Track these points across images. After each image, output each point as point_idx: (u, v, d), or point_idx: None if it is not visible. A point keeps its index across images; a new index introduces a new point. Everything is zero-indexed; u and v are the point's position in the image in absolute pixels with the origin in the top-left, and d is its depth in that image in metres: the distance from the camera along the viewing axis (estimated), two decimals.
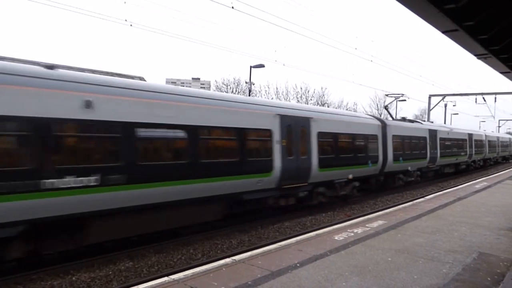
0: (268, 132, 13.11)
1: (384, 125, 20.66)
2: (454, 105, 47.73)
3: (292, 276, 6.81)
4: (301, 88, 55.90)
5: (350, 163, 17.23)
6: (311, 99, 54.58)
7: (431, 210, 13.52)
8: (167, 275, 7.07)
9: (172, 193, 10.04)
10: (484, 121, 68.44)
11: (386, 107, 34.96)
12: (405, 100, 45.61)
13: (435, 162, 27.03)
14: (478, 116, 59.41)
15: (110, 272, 8.66)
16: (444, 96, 41.72)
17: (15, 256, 7.97)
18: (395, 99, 29.79)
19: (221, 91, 48.90)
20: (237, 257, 7.94)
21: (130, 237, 10.11)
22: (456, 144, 31.94)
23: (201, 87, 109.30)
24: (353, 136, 17.66)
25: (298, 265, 7.39)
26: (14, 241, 7.73)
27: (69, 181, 7.99)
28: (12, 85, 7.45)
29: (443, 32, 6.02)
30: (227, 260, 7.78)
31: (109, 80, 9.43)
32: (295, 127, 14.19)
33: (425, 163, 25.53)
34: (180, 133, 10.50)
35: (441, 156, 27.80)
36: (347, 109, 53.91)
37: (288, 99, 52.71)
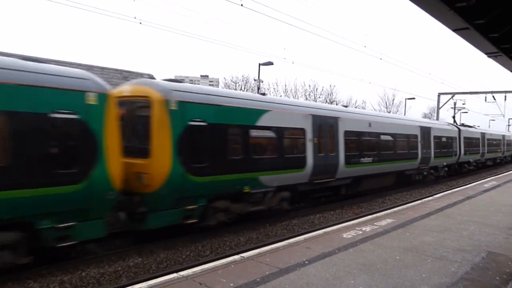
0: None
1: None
2: (463, 104, 47.29)
3: (300, 273, 6.84)
4: (309, 86, 55.77)
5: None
6: (319, 97, 54.46)
7: (440, 209, 13.46)
8: (176, 271, 7.12)
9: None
10: (493, 120, 67.81)
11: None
12: (414, 98, 45.37)
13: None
14: (487, 114, 58.87)
15: (119, 268, 8.74)
16: (454, 94, 41.35)
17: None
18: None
19: (229, 88, 48.97)
20: (245, 254, 7.99)
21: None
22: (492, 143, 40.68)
23: (209, 84, 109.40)
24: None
25: (306, 262, 7.42)
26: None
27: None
28: None
29: (454, 30, 6.01)
30: (236, 257, 7.83)
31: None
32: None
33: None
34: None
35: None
36: (355, 107, 53.73)
37: (296, 97, 52.61)
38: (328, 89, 56.39)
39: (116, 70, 11.37)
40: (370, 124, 18.31)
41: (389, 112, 58.57)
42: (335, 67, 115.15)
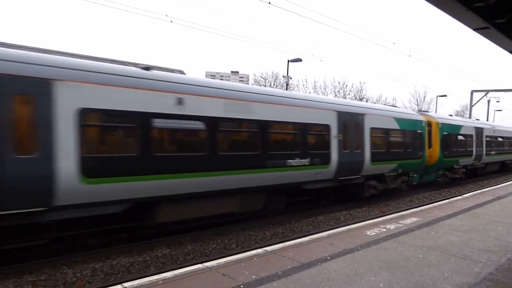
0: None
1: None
2: (497, 101, 45.89)
3: (322, 268, 6.98)
4: (339, 82, 55.36)
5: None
6: (349, 94, 53.95)
7: (468, 209, 13.27)
8: (201, 262, 7.39)
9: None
10: None
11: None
12: (445, 96, 44.37)
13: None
14: None
15: (148, 258, 9.10)
16: (487, 92, 40.25)
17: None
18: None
19: (259, 85, 49.17)
20: (268, 248, 8.18)
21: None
22: None
23: (239, 81, 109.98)
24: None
25: (328, 258, 7.55)
26: None
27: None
28: None
29: (475, 30, 6.00)
30: (259, 250, 8.04)
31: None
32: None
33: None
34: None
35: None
36: (385, 104, 53.00)
37: (326, 94, 52.33)
38: (358, 86, 55.83)
39: (147, 66, 11.73)
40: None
41: (421, 110, 57.45)
42: (364, 64, 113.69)
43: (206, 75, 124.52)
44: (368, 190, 16.80)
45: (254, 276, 6.50)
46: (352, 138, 15.28)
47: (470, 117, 39.45)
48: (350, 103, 17.34)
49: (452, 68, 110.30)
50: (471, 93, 40.83)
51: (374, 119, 16.59)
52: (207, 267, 6.96)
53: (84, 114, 8.17)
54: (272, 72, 56.25)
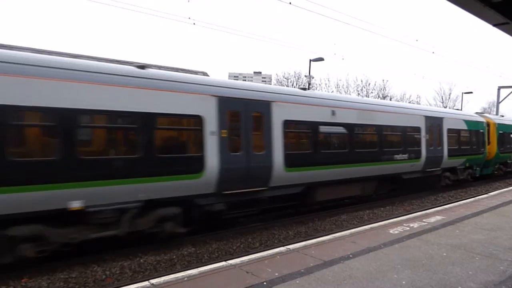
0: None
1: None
2: None
3: (344, 266, 7.05)
4: (361, 81, 54.90)
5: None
6: (371, 92, 53.49)
7: (494, 207, 13.07)
8: (225, 260, 7.56)
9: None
10: None
11: None
12: (471, 93, 43.56)
13: None
14: None
15: (174, 256, 9.33)
16: None
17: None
18: None
19: (281, 85, 49.27)
20: (291, 246, 8.29)
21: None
22: None
23: (262, 81, 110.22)
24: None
25: (350, 256, 7.60)
26: None
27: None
28: None
29: (494, 25, 5.98)
30: (282, 248, 8.15)
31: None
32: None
33: None
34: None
35: None
36: (409, 102, 52.30)
37: (348, 92, 51.99)
38: (381, 84, 55.23)
39: (172, 68, 12.04)
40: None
41: (445, 107, 56.48)
42: (387, 62, 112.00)
43: (229, 76, 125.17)
44: (444, 180, 20.37)
45: (277, 274, 6.62)
46: (435, 137, 18.93)
47: (497, 113, 38.56)
48: (433, 109, 22.50)
49: (477, 65, 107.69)
50: (498, 90, 39.92)
51: (450, 122, 20.24)
52: (231, 265, 7.12)
53: (285, 124, 12.04)
54: (295, 72, 56.24)
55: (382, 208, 15.64)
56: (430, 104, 57.56)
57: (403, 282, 6.34)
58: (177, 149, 9.93)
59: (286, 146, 11.96)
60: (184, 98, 9.78)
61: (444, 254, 7.86)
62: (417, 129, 17.70)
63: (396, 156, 16.22)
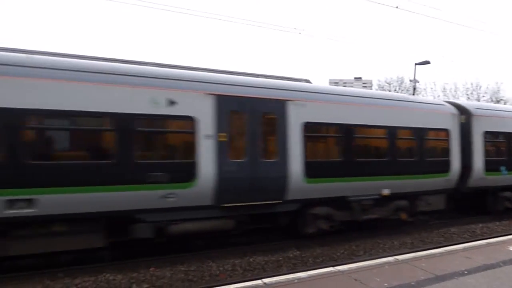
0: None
1: None
2: None
3: (459, 282, 6.79)
4: (471, 84, 50.86)
5: None
6: (483, 96, 49.27)
7: None
8: (332, 266, 7.71)
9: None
10: None
11: None
12: None
13: None
14: None
15: (281, 258, 9.68)
16: None
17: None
18: None
19: (383, 90, 47.82)
20: (400, 257, 8.18)
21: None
22: None
23: (363, 86, 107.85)
24: None
25: (465, 272, 7.29)
26: None
27: None
28: None
29: None
30: (390, 258, 8.09)
31: None
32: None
33: None
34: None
35: None
36: None
37: (456, 97, 48.57)
38: (494, 87, 50.61)
39: (277, 77, 12.48)
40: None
41: None
42: (500, 62, 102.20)
43: (329, 82, 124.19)
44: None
45: (386, 284, 6.62)
46: None
47: None
48: None
49: None
50: None
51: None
52: (339, 271, 7.25)
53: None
54: (397, 77, 54.12)
55: (497, 223, 14.50)
56: None
57: None
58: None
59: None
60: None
61: None
62: None
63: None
